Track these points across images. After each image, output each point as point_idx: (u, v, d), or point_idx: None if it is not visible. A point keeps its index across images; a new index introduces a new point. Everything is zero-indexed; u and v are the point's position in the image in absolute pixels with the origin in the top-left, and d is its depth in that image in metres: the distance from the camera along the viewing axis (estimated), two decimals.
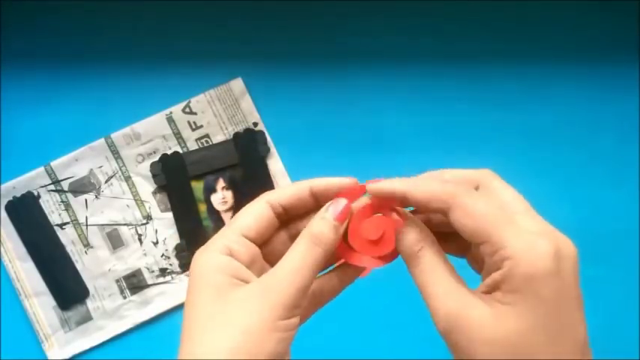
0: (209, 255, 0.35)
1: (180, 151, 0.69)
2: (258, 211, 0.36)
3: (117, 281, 0.69)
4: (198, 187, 0.69)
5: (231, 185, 0.69)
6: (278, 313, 0.32)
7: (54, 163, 0.68)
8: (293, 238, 0.37)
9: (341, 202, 0.36)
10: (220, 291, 0.33)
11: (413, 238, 0.34)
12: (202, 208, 0.69)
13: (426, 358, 0.65)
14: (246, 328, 0.32)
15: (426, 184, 0.33)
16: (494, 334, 0.30)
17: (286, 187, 0.38)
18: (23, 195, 0.68)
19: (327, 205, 0.36)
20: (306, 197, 0.37)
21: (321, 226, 0.35)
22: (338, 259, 0.38)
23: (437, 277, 0.33)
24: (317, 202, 0.37)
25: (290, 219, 0.38)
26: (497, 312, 0.30)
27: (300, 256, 0.34)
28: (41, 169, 0.68)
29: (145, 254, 0.69)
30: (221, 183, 0.69)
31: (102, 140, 0.69)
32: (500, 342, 0.30)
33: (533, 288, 0.29)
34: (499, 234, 0.30)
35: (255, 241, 0.36)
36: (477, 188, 0.35)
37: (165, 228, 0.69)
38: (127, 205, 0.69)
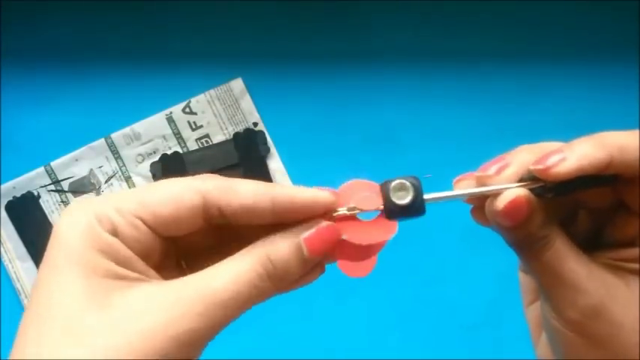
0: (87, 222, 0.25)
1: (180, 151, 0.69)
2: (182, 197, 0.26)
3: None
4: None
5: None
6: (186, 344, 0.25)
7: (54, 163, 0.68)
8: (222, 247, 0.28)
9: (322, 226, 0.26)
10: (101, 284, 0.25)
11: (541, 219, 0.28)
12: None
13: (426, 358, 0.65)
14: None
15: (625, 138, 0.27)
16: None
17: (239, 184, 0.26)
18: (23, 195, 0.68)
19: (302, 226, 0.26)
20: (265, 211, 0.26)
21: (287, 258, 0.26)
22: None
23: (575, 260, 0.28)
24: (278, 219, 0.26)
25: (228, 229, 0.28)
26: None
27: (243, 290, 0.25)
28: (41, 169, 0.68)
29: None
30: None
31: (102, 140, 0.69)
32: None
33: None
34: None
35: (158, 231, 0.26)
36: None
37: None
38: None
